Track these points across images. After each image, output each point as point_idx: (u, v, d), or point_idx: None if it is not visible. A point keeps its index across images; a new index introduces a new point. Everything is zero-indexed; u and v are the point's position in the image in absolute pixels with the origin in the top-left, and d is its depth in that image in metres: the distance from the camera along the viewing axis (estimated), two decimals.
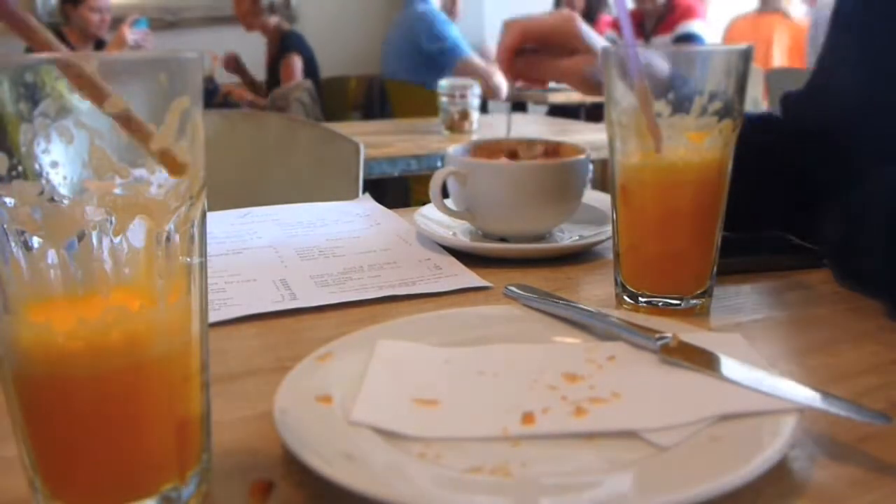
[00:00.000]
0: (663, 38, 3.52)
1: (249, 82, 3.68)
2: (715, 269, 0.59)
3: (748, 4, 4.21)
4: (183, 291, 0.34)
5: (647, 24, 3.61)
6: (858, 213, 0.60)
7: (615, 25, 3.70)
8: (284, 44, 3.58)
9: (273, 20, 3.59)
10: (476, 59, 3.05)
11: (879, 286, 0.59)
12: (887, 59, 0.65)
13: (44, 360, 0.32)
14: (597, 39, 0.77)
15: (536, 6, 4.14)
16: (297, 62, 3.54)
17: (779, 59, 3.97)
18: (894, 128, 0.63)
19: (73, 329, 0.31)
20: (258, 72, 3.73)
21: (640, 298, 0.59)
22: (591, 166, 0.78)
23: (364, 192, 1.17)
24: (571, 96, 3.44)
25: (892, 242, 0.56)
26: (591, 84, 0.76)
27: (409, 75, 3.20)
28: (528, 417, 0.41)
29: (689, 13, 3.54)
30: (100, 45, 3.43)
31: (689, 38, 3.41)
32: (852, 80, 0.69)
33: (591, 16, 3.94)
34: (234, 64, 3.63)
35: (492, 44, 4.58)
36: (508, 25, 0.78)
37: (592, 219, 0.81)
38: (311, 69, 3.61)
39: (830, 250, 0.66)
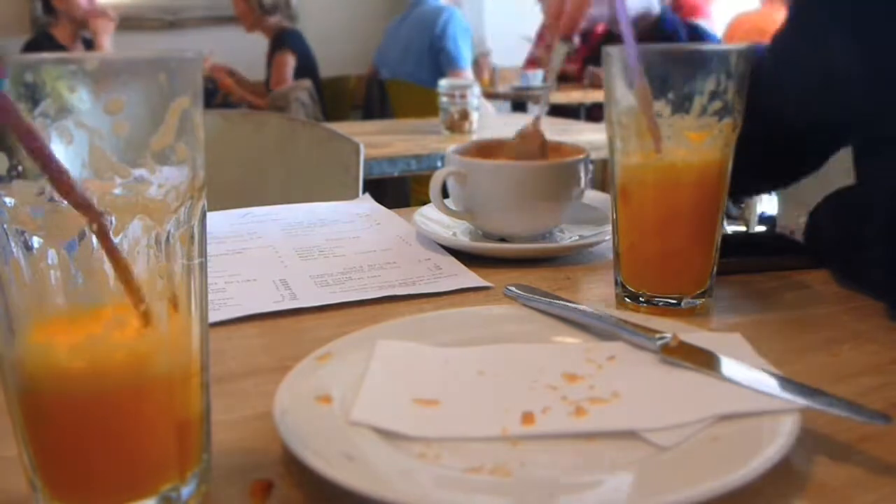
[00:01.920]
0: None
1: (251, 90, 3.66)
2: (715, 269, 0.59)
3: (753, 3, 4.20)
4: (183, 294, 0.34)
5: None
6: (858, 214, 0.60)
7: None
8: (278, 42, 3.55)
9: (273, 20, 3.58)
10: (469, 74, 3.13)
11: (881, 287, 0.59)
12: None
13: (47, 378, 0.32)
14: None
15: (533, 6, 4.14)
16: (290, 60, 3.49)
17: None
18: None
19: (77, 347, 0.31)
20: (259, 71, 3.72)
21: (640, 298, 0.59)
22: (591, 166, 0.78)
23: (364, 192, 1.17)
24: (572, 95, 3.44)
25: (893, 243, 0.56)
26: None
27: (412, 71, 3.21)
28: (528, 417, 0.41)
29: (693, 12, 3.54)
30: (88, 45, 3.37)
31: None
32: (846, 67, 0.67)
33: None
34: (223, 75, 3.59)
35: (491, 43, 4.59)
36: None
37: (592, 219, 0.81)
38: (307, 68, 3.57)
39: (830, 251, 0.66)
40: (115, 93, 0.30)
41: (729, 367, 0.44)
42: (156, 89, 0.31)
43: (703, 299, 0.59)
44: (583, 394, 0.43)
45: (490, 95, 3.56)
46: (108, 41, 3.21)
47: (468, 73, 3.19)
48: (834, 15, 0.66)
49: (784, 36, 0.72)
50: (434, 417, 0.41)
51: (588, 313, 0.52)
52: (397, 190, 2.78)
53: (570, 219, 0.78)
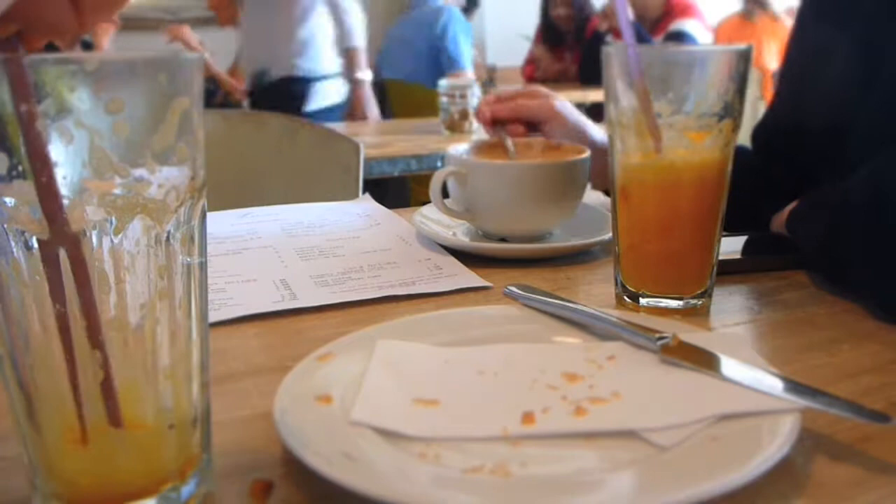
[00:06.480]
0: (658, 40, 3.51)
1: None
2: (715, 269, 0.59)
3: (736, 5, 4.21)
4: (183, 294, 0.34)
5: (645, 26, 3.60)
6: (837, 220, 0.59)
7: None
8: None
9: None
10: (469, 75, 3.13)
11: (863, 291, 0.58)
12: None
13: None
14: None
15: (532, 6, 4.14)
16: None
17: (772, 60, 3.97)
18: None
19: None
20: None
21: (640, 298, 0.59)
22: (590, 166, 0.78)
23: (364, 192, 1.17)
24: (571, 95, 3.44)
25: (872, 246, 0.56)
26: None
27: (412, 71, 3.20)
28: (528, 417, 0.41)
29: (684, 12, 3.54)
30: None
31: (679, 37, 3.40)
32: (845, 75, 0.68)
33: (581, 18, 3.92)
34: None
35: (492, 43, 4.59)
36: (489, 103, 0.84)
37: (592, 219, 0.81)
38: None
39: (811, 257, 0.65)
40: (115, 93, 0.30)
41: (729, 367, 0.44)
42: (156, 89, 0.31)
43: (703, 299, 0.59)
44: (583, 394, 0.43)
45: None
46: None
47: (469, 74, 3.19)
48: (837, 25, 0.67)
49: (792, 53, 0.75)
50: (434, 417, 0.41)
51: (588, 313, 0.52)
52: (397, 190, 2.78)
53: (570, 219, 0.78)
